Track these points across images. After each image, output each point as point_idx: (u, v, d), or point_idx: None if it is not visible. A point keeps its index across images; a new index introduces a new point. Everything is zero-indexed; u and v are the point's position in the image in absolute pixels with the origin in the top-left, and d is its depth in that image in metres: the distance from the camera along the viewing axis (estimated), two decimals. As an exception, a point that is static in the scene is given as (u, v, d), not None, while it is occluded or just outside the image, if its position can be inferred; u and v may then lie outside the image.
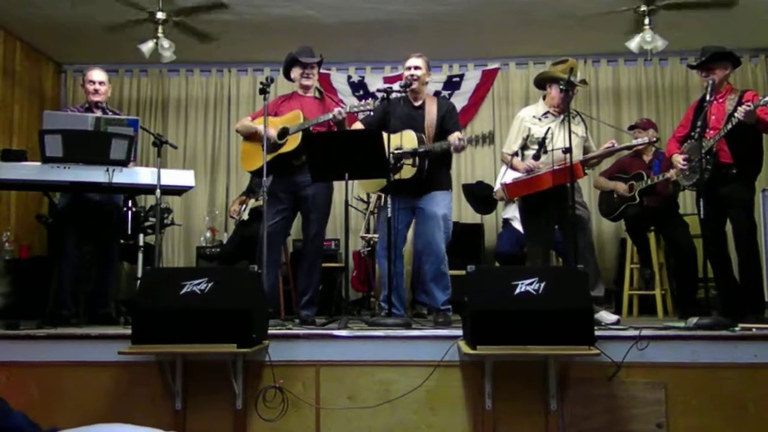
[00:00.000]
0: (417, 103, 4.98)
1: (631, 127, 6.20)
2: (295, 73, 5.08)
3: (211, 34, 6.92)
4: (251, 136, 5.04)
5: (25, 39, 7.29)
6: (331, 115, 4.75)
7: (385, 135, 4.48)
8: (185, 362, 3.84)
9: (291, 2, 6.43)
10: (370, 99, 4.90)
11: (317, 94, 5.12)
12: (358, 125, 5.07)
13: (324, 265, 5.40)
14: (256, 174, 5.21)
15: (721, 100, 4.74)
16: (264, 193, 4.66)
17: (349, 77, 7.97)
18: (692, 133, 4.69)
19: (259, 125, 4.93)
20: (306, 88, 5.09)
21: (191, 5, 6.41)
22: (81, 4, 6.36)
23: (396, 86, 4.86)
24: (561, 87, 4.64)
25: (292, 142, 4.81)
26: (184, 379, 3.84)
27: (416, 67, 4.92)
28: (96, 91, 5.13)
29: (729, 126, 4.50)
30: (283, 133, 4.85)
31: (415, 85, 4.91)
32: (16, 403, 3.85)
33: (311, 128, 4.82)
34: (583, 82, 5.00)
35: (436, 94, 7.66)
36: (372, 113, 4.93)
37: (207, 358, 3.82)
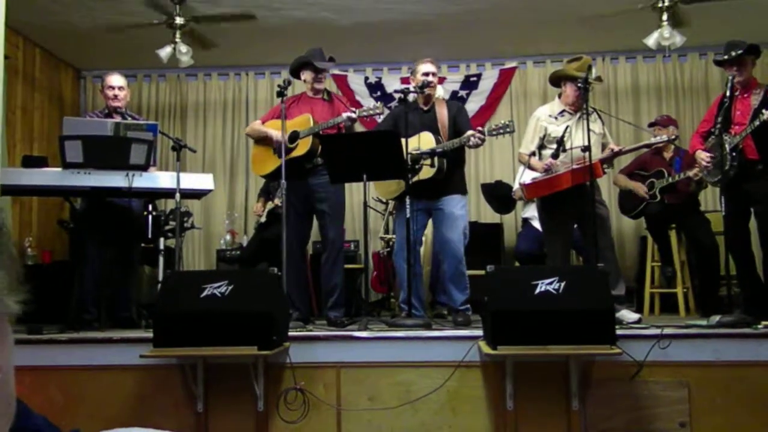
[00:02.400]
0: (426, 108, 5.00)
1: (651, 125, 6.17)
2: (307, 75, 5.08)
3: (211, 40, 6.93)
4: (262, 140, 5.06)
5: (44, 46, 7.36)
6: (341, 119, 4.75)
7: (402, 139, 4.50)
8: (206, 365, 3.86)
9: (307, 5, 6.44)
10: (379, 102, 4.91)
11: (326, 96, 5.13)
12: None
13: (345, 266, 5.40)
14: (268, 178, 5.24)
15: (746, 96, 4.69)
16: (282, 193, 4.67)
17: (366, 78, 7.98)
18: (713, 129, 4.65)
19: (269, 129, 4.96)
20: (317, 91, 5.10)
21: (217, 13, 6.43)
22: (100, 9, 6.40)
23: (412, 87, 4.87)
24: (578, 85, 4.61)
25: (303, 146, 4.82)
26: (205, 382, 3.86)
27: (433, 74, 4.97)
28: (115, 97, 5.17)
29: (756, 123, 4.44)
30: (294, 136, 4.86)
31: (429, 91, 4.94)
32: (39, 407, 3.89)
33: (322, 131, 4.83)
34: (598, 79, 4.97)
35: (454, 94, 7.68)
36: (380, 117, 4.93)
37: (228, 361, 3.83)
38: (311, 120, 4.86)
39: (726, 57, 4.67)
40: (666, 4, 6.13)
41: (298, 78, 5.19)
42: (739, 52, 4.61)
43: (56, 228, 7.04)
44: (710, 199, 6.79)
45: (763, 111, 4.40)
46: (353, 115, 4.74)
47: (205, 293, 3.62)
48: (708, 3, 6.03)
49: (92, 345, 4.11)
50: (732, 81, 4.52)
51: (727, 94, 4.53)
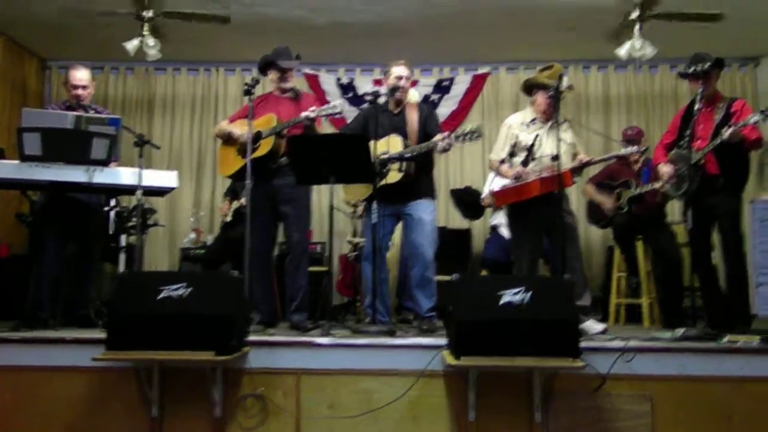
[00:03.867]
0: (397, 110, 4.96)
1: (629, 141, 6.09)
2: (273, 75, 5.00)
3: (181, 35, 6.82)
4: (227, 141, 4.98)
5: (9, 34, 7.18)
6: (299, 119, 4.68)
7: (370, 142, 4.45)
8: (162, 369, 3.76)
9: (281, 2, 6.36)
10: (339, 101, 4.84)
11: (293, 95, 5.05)
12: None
13: (310, 269, 5.32)
14: (233, 178, 5.15)
15: (709, 109, 4.69)
16: (247, 193, 4.58)
17: (339, 79, 7.91)
18: (680, 142, 4.65)
19: (233, 128, 4.89)
20: (284, 90, 5.03)
21: (191, 11, 6.31)
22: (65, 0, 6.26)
23: (383, 90, 4.82)
24: (549, 94, 4.59)
25: (265, 146, 4.74)
26: (161, 387, 3.76)
27: (406, 78, 4.94)
28: (77, 96, 5.03)
29: (717, 141, 4.45)
30: (257, 137, 4.77)
31: (400, 94, 4.89)
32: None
33: (285, 131, 4.75)
34: (570, 87, 4.95)
35: (426, 97, 7.64)
36: (340, 116, 4.85)
37: (185, 365, 3.73)
38: (275, 120, 4.78)
39: (691, 70, 4.66)
40: (638, 16, 6.15)
41: (265, 75, 5.11)
42: (707, 65, 4.61)
43: (14, 221, 6.86)
44: (677, 211, 6.82)
45: (722, 130, 4.42)
46: (311, 115, 4.65)
47: (162, 295, 3.52)
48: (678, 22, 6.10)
49: (45, 345, 3.98)
50: (701, 94, 4.53)
51: (696, 107, 4.54)
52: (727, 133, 4.38)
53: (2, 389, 3.86)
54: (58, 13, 6.50)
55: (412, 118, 4.90)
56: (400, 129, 4.85)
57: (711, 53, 4.71)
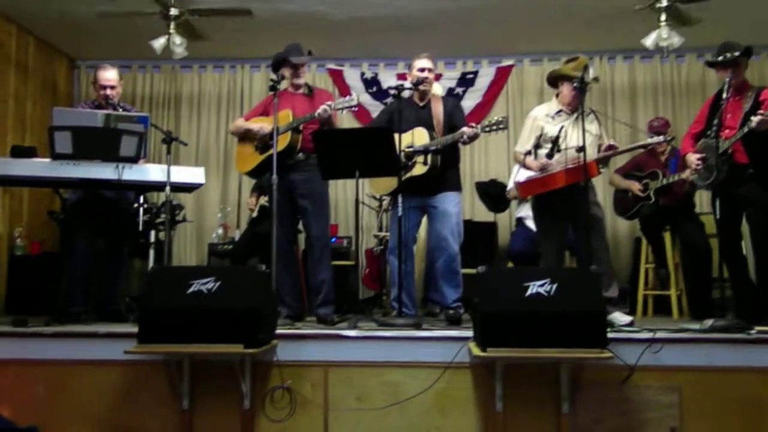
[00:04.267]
0: (422, 103, 4.97)
1: (656, 132, 6.05)
2: (285, 71, 5.03)
3: (206, 32, 6.87)
4: (244, 138, 5.02)
5: (38, 34, 7.29)
6: (317, 114, 4.71)
7: (396, 135, 4.46)
8: (192, 362, 3.81)
9: (302, -2, 6.39)
10: (354, 95, 4.85)
11: (306, 91, 5.08)
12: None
13: (336, 263, 5.36)
14: (251, 174, 5.20)
15: (738, 98, 4.65)
16: (274, 189, 4.62)
17: (362, 74, 7.92)
18: (708, 132, 4.61)
19: (251, 125, 4.91)
20: (297, 86, 5.06)
21: (214, 7, 6.37)
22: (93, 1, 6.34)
23: (407, 84, 4.82)
24: (575, 85, 4.57)
25: (282, 142, 4.77)
26: (191, 379, 3.82)
27: (429, 70, 4.95)
28: (106, 96, 5.11)
29: (745, 130, 4.41)
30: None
31: (425, 87, 4.91)
32: (23, 400, 3.87)
33: (302, 126, 4.79)
34: (595, 79, 4.93)
35: (450, 90, 7.63)
36: (355, 108, 4.86)
37: (214, 358, 3.78)
38: (291, 116, 4.82)
39: (720, 59, 4.62)
40: (664, 4, 6.07)
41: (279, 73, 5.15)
42: (735, 54, 4.57)
43: (46, 219, 6.98)
44: (705, 201, 6.76)
45: (751, 118, 4.37)
46: (328, 109, 4.68)
47: (191, 289, 3.57)
48: (705, 3, 5.98)
49: (77, 339, 4.06)
50: (729, 83, 4.48)
51: (724, 96, 4.50)
52: (755, 121, 4.33)
53: (36, 382, 3.94)
54: (87, 13, 6.58)
55: (438, 110, 4.91)
56: (426, 122, 4.87)
57: (739, 41, 4.66)
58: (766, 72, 7.49)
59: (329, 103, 4.74)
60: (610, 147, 4.71)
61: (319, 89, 5.49)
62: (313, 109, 4.78)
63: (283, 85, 5.03)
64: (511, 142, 7.31)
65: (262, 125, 4.91)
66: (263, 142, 4.90)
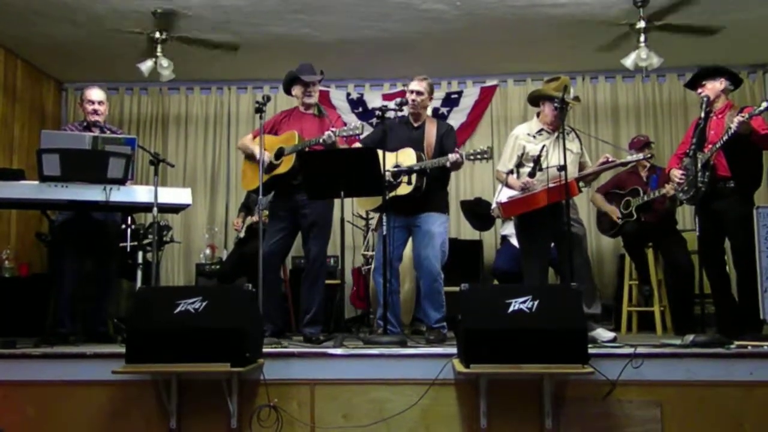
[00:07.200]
0: (416, 124, 5.03)
1: (638, 148, 6.15)
2: (297, 90, 5.10)
3: (193, 55, 6.96)
4: (251, 156, 5.07)
5: (26, 58, 7.35)
6: (321, 139, 4.75)
7: (381, 153, 4.52)
8: (180, 381, 3.84)
9: (289, 21, 6.46)
10: (359, 123, 4.90)
11: (317, 112, 5.13)
12: (357, 145, 5.10)
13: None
14: (256, 192, 5.24)
15: (720, 116, 4.73)
16: (259, 210, 4.67)
17: (348, 94, 8.01)
18: (688, 150, 4.69)
19: (255, 146, 4.95)
20: (307, 105, 5.12)
21: (203, 38, 6.47)
22: (80, 24, 6.40)
23: (392, 104, 4.87)
24: (555, 105, 4.66)
25: (286, 164, 4.84)
26: (179, 398, 3.84)
27: (418, 93, 4.98)
28: (95, 111, 5.17)
29: (725, 138, 4.47)
30: (279, 153, 4.88)
31: (413, 109, 4.98)
32: (12, 422, 3.88)
33: (307, 148, 4.84)
34: (576, 98, 5.00)
35: (435, 111, 7.71)
36: (359, 136, 4.93)
37: (201, 377, 3.81)
38: (296, 137, 4.87)
39: (690, 80, 4.83)
40: (642, 26, 6.21)
41: (290, 94, 5.21)
42: (699, 75, 4.76)
43: (34, 241, 7.00)
44: (688, 218, 6.85)
45: (730, 125, 4.44)
46: (332, 135, 4.73)
47: (178, 309, 3.61)
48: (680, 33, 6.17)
49: (65, 360, 4.07)
50: (706, 102, 4.59)
51: (702, 115, 4.59)
52: (736, 121, 4.38)
53: (25, 403, 3.95)
54: (74, 37, 6.64)
55: (431, 133, 4.96)
56: (417, 143, 4.92)
57: (718, 61, 4.80)
58: (746, 91, 7.57)
59: (334, 129, 4.78)
60: (606, 162, 4.77)
61: (331, 110, 5.54)
62: (322, 132, 4.82)
63: (283, 106, 5.07)
64: (496, 161, 7.37)
65: (266, 147, 4.91)
66: (268, 164, 4.94)
